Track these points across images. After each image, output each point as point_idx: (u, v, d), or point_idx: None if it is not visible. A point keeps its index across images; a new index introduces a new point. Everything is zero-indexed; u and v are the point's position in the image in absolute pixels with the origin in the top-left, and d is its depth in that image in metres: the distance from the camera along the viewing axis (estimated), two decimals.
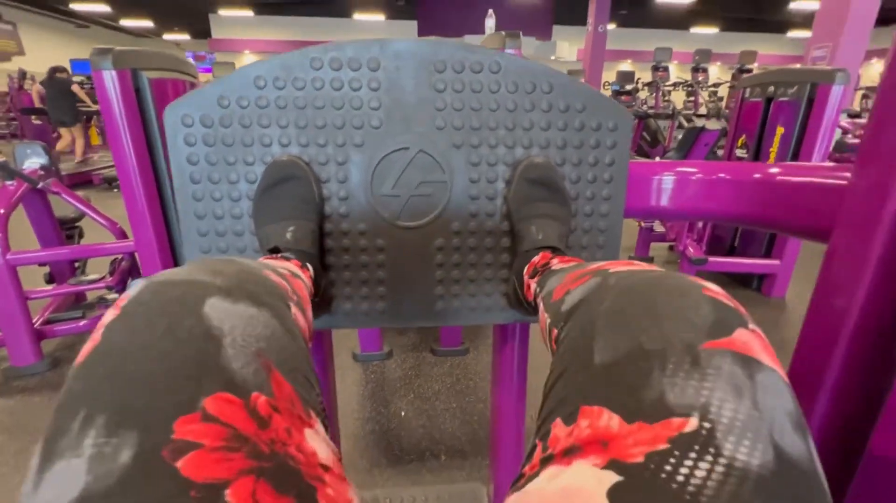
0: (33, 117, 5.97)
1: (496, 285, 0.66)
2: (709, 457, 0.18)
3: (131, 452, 0.17)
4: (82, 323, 1.82)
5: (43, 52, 12.67)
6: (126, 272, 1.93)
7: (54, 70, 5.37)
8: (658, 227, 2.89)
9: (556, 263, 0.51)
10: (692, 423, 0.19)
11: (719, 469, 0.17)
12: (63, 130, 5.58)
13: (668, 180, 0.61)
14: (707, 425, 0.19)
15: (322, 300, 0.61)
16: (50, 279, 2.07)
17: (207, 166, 0.58)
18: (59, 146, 5.50)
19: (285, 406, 0.22)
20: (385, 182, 0.60)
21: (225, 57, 12.63)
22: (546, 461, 0.23)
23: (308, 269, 0.54)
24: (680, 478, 0.17)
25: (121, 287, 1.88)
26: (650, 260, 2.94)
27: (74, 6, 11.71)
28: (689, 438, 0.18)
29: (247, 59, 14.78)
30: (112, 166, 5.57)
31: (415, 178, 0.60)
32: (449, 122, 0.59)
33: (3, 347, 1.68)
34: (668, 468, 0.18)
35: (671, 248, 3.08)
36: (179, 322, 0.21)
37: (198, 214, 0.60)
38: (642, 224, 2.89)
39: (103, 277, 1.87)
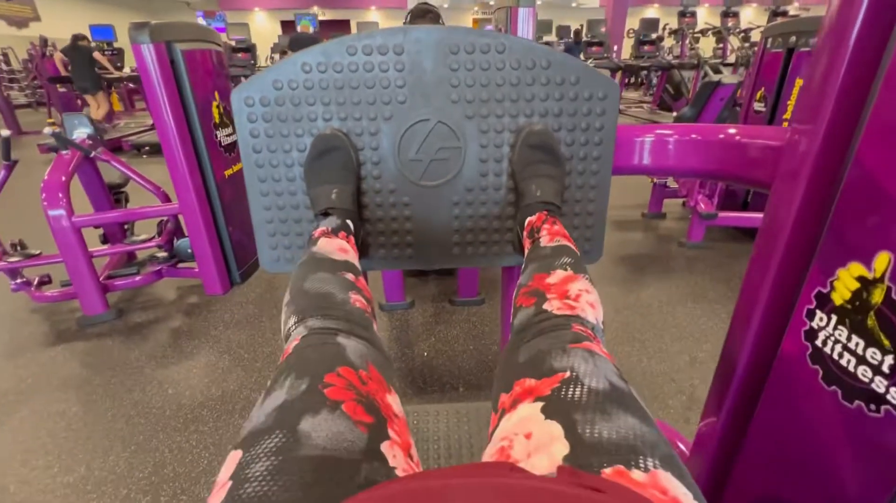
0: (58, 85, 6.13)
1: (503, 234, 0.79)
2: (580, 387, 0.35)
3: (305, 386, 0.36)
4: (138, 278, 2.04)
5: (57, 16, 12.68)
6: (172, 233, 2.13)
7: (76, 38, 5.46)
8: (672, 184, 2.92)
9: (544, 234, 0.65)
10: (568, 374, 0.37)
11: (585, 391, 0.34)
12: (88, 97, 5.75)
13: (648, 141, 0.71)
14: (575, 374, 0.36)
15: (361, 247, 0.75)
16: (104, 239, 2.29)
17: (266, 138, 0.71)
18: (93, 114, 5.68)
19: (376, 378, 0.41)
20: (410, 149, 0.73)
21: (237, 17, 12.41)
22: (501, 417, 0.39)
23: (350, 230, 0.68)
24: (570, 396, 0.34)
25: (169, 246, 2.08)
26: (663, 216, 3.00)
27: None
28: (568, 380, 0.36)
29: (258, 16, 14.47)
30: (139, 133, 5.76)
31: (435, 144, 0.73)
32: (462, 97, 0.70)
33: (75, 299, 1.92)
34: (563, 393, 0.35)
35: (684, 204, 3.12)
36: (327, 344, 0.43)
37: (260, 178, 0.74)
38: (655, 181, 2.93)
39: (153, 237, 2.07)
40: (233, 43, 6.38)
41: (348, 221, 0.69)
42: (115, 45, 7.17)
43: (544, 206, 0.69)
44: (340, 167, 0.71)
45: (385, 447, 0.34)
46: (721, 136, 0.64)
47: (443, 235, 0.78)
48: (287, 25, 13.48)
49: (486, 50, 0.68)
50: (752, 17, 13.15)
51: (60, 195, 1.75)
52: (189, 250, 2.06)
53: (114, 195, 2.31)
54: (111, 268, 2.14)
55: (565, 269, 0.54)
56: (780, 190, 0.56)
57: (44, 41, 6.95)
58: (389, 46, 0.67)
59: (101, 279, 1.94)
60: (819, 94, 0.49)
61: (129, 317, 1.98)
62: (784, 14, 7.16)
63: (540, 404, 0.34)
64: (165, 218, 2.14)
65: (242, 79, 5.70)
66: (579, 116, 0.72)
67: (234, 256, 2.16)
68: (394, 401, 0.41)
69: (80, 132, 2.04)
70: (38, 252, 1.97)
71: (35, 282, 1.98)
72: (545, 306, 0.50)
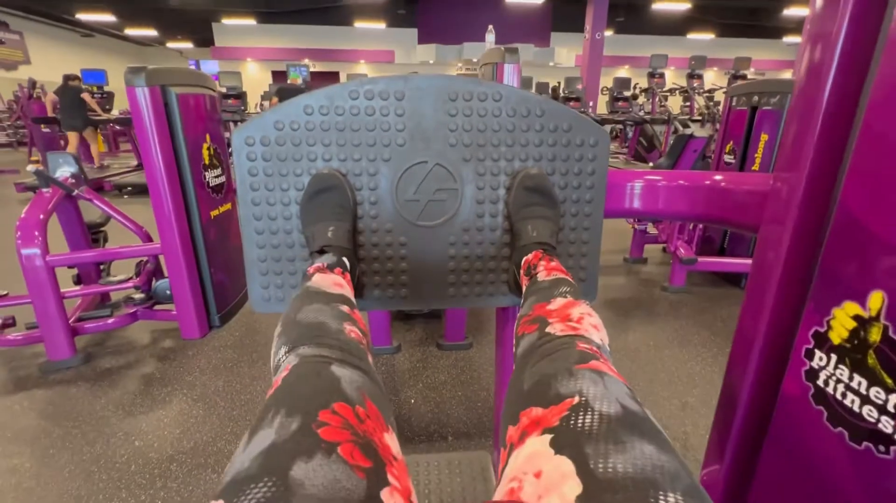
0: (42, 126, 6.11)
1: (498, 274, 0.79)
2: (590, 413, 0.33)
3: (297, 425, 0.32)
4: (110, 321, 1.95)
5: (48, 60, 12.87)
6: (151, 273, 2.06)
7: (67, 77, 5.52)
8: (651, 230, 3.02)
9: (541, 270, 0.65)
10: (577, 399, 0.34)
11: (596, 417, 0.32)
12: (71, 135, 5.70)
13: (638, 186, 0.74)
14: (584, 398, 0.34)
15: (357, 287, 0.74)
16: (78, 280, 2.20)
17: (264, 177, 0.71)
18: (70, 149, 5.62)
19: (374, 415, 0.38)
20: (408, 189, 0.74)
21: (229, 65, 12.82)
22: (510, 453, 0.36)
23: (346, 268, 0.67)
24: (580, 425, 0.32)
25: (146, 287, 2.01)
26: (644, 261, 3.07)
27: (81, 16, 11.91)
28: (577, 406, 0.34)
29: (250, 66, 14.98)
30: (121, 173, 5.71)
31: (432, 186, 0.74)
32: (460, 141, 0.72)
33: (39, 343, 1.81)
34: (572, 422, 0.32)
35: (664, 249, 3.21)
36: (320, 375, 0.40)
37: (255, 216, 0.73)
38: (636, 227, 3.02)
39: (130, 278, 2.00)
40: (224, 90, 6.53)
41: (344, 259, 0.68)
42: (106, 88, 7.26)
43: (540, 245, 0.70)
44: (337, 206, 0.71)
45: (385, 494, 0.31)
46: (707, 182, 0.67)
47: (439, 275, 0.78)
48: (278, 75, 13.97)
49: (483, 98, 0.71)
50: (713, 79, 14.28)
51: (36, 233, 1.69)
52: (168, 292, 1.98)
53: (92, 234, 2.25)
54: (82, 310, 2.04)
55: (565, 297, 0.54)
56: (768, 233, 0.58)
57: (32, 83, 7.00)
58: (391, 92, 0.70)
59: (70, 322, 1.85)
60: (797, 146, 0.52)
61: (97, 362, 1.87)
62: (743, 77, 7.80)
63: (548, 437, 0.32)
64: (145, 258, 2.08)
65: (231, 124, 5.81)
66: (572, 161, 0.74)
67: (214, 298, 2.09)
68: (392, 441, 0.38)
69: (64, 171, 2.01)
70: (4, 293, 1.87)
71: None
72: (548, 330, 0.49)
